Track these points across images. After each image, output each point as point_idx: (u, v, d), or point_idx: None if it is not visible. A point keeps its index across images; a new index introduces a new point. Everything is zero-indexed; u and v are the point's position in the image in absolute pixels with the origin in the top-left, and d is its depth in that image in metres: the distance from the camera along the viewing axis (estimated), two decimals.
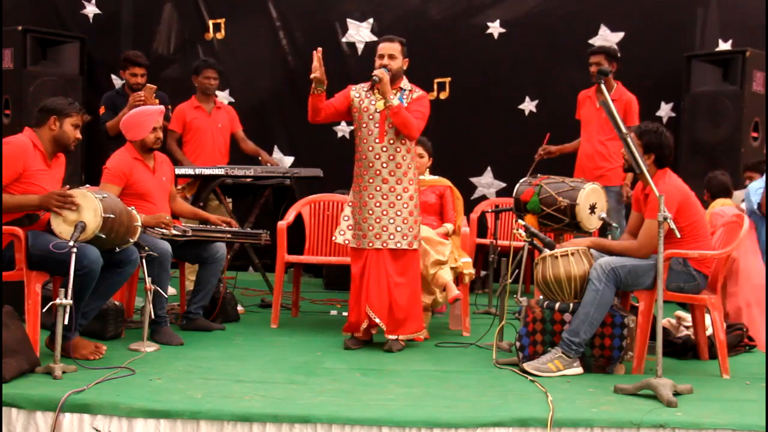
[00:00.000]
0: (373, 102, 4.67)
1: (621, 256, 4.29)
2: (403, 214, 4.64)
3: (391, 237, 4.63)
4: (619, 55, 6.38)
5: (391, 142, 4.63)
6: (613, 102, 6.07)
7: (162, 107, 5.17)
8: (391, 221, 4.63)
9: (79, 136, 4.36)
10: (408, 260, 4.70)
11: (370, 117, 4.66)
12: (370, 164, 4.65)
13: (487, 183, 7.49)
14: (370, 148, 4.64)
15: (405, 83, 4.75)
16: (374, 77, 4.59)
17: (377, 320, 4.65)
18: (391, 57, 4.67)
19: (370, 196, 4.65)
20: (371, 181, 4.65)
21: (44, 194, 4.07)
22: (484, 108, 7.40)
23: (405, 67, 4.75)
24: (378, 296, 4.63)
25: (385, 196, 4.64)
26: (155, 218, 4.79)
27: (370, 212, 4.64)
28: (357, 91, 4.75)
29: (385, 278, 4.64)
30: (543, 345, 4.34)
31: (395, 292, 4.65)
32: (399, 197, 4.64)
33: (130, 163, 4.86)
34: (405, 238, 4.65)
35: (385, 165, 4.63)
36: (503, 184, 7.38)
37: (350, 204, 4.78)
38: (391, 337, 4.68)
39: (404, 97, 4.68)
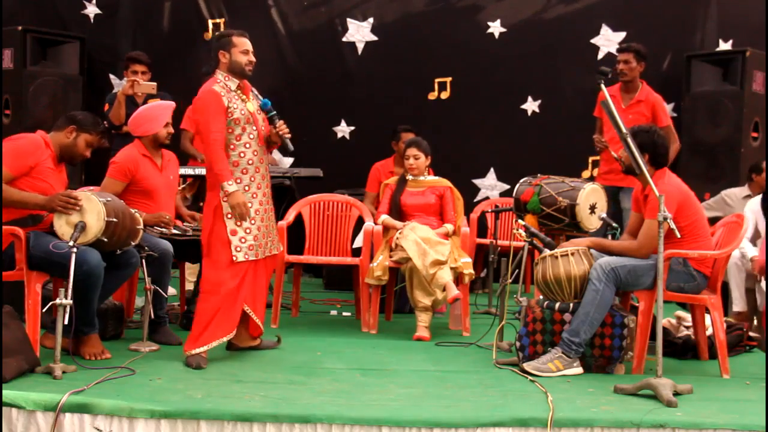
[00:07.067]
0: (244, 102, 4.35)
1: (621, 256, 4.30)
2: (273, 217, 4.56)
3: (274, 242, 4.54)
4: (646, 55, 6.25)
5: (263, 144, 4.45)
6: (640, 103, 6.10)
7: (173, 103, 5.16)
8: (272, 226, 4.53)
9: (87, 155, 4.40)
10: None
11: (248, 120, 4.32)
12: (257, 170, 4.37)
13: (490, 185, 7.44)
14: (255, 153, 4.35)
15: None
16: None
17: (256, 319, 4.49)
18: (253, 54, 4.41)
19: (261, 203, 4.41)
20: (259, 187, 4.40)
21: (49, 195, 4.08)
22: (486, 108, 7.37)
23: None
24: (261, 301, 4.52)
25: (268, 201, 4.49)
26: (155, 216, 4.79)
27: (262, 219, 4.41)
28: (222, 93, 4.27)
29: (265, 283, 4.54)
30: (543, 345, 4.34)
31: (263, 294, 4.57)
32: (269, 201, 4.50)
33: (136, 159, 4.85)
34: (278, 241, 4.63)
35: (264, 169, 4.45)
36: (507, 186, 7.30)
37: (247, 216, 4.31)
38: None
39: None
